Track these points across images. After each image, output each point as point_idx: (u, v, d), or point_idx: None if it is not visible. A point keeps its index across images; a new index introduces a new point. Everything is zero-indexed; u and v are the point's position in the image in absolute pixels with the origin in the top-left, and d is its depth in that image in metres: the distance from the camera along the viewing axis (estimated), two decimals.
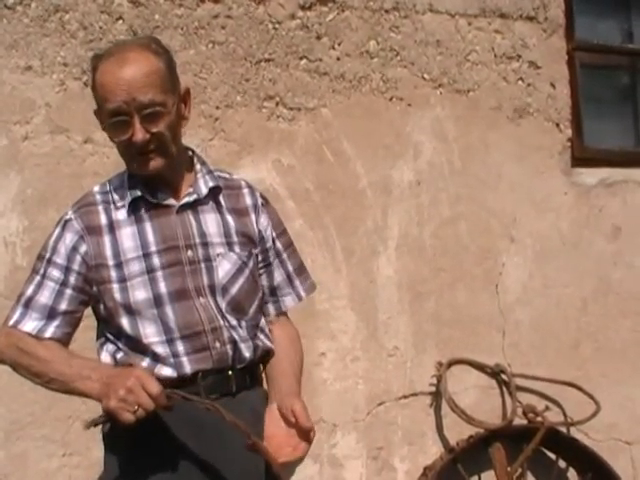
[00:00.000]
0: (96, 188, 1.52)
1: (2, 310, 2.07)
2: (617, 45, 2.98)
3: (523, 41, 2.71)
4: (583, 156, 2.76)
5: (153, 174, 1.44)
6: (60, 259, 1.45)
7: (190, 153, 1.54)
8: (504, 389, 2.55)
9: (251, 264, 1.50)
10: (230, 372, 1.45)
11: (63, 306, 1.45)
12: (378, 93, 2.53)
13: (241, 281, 1.48)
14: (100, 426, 1.49)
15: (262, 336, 1.54)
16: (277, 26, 2.43)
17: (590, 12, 2.89)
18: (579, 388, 2.56)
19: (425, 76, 2.59)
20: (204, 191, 1.49)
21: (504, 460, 2.36)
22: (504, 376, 2.53)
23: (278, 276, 1.57)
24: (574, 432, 2.59)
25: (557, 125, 2.74)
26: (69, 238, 1.45)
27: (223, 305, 1.45)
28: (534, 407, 2.49)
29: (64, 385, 1.41)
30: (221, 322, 1.44)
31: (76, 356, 1.46)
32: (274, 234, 1.57)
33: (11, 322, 1.46)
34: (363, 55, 2.52)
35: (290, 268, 1.59)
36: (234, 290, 1.47)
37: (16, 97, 2.17)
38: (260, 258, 1.55)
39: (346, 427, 2.38)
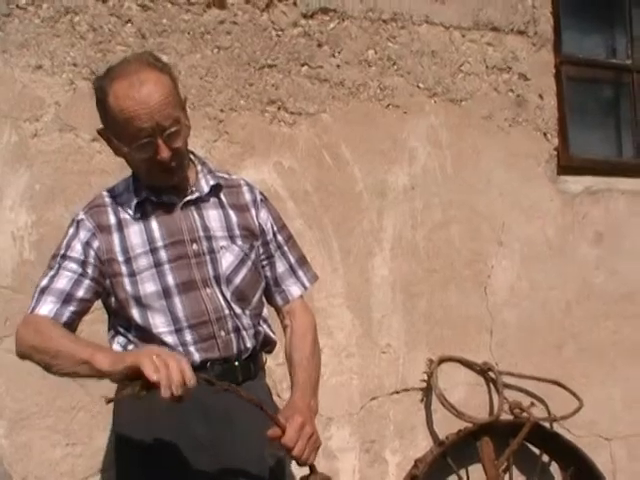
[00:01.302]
0: (104, 192, 1.56)
1: (10, 302, 2.08)
2: (601, 60, 3.04)
3: (514, 54, 2.75)
4: (569, 165, 2.80)
5: (174, 185, 1.49)
6: (76, 254, 1.47)
7: (190, 155, 1.57)
8: (491, 386, 2.57)
9: (253, 256, 1.55)
10: (236, 363, 1.50)
11: (80, 293, 1.46)
12: (375, 100, 2.55)
13: (244, 272, 1.52)
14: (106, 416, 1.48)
15: (265, 325, 1.59)
16: (280, 33, 2.44)
17: (577, 28, 2.94)
18: (563, 386, 2.59)
19: (420, 85, 2.61)
20: (206, 189, 1.53)
21: (492, 453, 2.38)
22: (491, 374, 2.55)
23: (280, 267, 1.62)
24: (557, 429, 2.61)
25: (544, 134, 2.77)
26: (82, 235, 1.48)
27: (228, 295, 1.49)
28: (520, 403, 2.51)
29: (81, 366, 1.34)
30: (226, 311, 1.48)
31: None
32: (275, 228, 1.62)
33: (29, 311, 1.47)
34: (362, 63, 2.53)
35: (292, 260, 1.64)
36: (237, 280, 1.51)
37: (26, 95, 2.16)
38: (262, 250, 1.59)
39: (340, 420, 2.39)
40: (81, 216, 1.51)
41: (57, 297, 1.44)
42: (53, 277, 1.46)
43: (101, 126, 1.49)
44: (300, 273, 1.64)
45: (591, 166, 2.86)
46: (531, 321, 2.68)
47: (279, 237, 1.62)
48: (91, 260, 1.47)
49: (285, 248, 1.63)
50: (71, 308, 1.45)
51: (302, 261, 1.66)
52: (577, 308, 2.76)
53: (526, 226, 2.71)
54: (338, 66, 2.51)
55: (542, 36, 2.79)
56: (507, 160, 2.71)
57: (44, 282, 1.47)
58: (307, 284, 1.65)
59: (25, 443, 2.07)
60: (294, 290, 1.63)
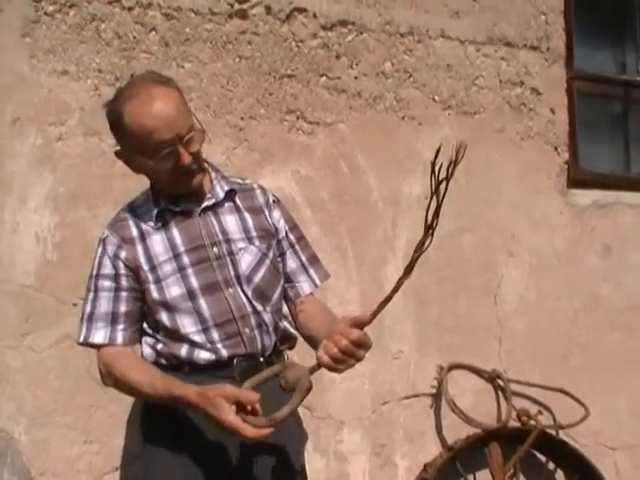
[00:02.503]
0: (125, 207, 1.59)
1: (33, 301, 2.08)
2: (612, 76, 3.02)
3: (526, 69, 2.73)
4: (578, 178, 2.77)
5: (195, 189, 1.52)
6: (107, 270, 1.51)
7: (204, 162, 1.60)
8: (499, 393, 2.55)
9: (271, 255, 1.57)
10: (261, 359, 1.51)
11: (122, 308, 1.49)
12: (391, 112, 2.54)
13: (263, 270, 1.54)
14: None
15: (285, 322, 1.61)
16: (300, 44, 2.43)
17: (588, 44, 2.92)
18: (570, 395, 2.56)
19: (435, 98, 2.60)
20: (221, 195, 1.56)
21: (500, 459, 2.36)
22: (500, 381, 2.53)
23: (292, 264, 1.63)
24: (563, 437, 2.59)
25: (555, 148, 2.76)
26: (110, 249, 1.51)
27: (249, 293, 1.51)
28: (527, 411, 2.49)
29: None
30: (249, 309, 1.50)
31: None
32: (286, 227, 1.64)
33: (80, 339, 1.51)
34: (379, 75, 2.53)
35: (304, 258, 1.65)
36: (257, 279, 1.53)
37: (52, 100, 2.16)
38: (275, 248, 1.61)
39: (352, 424, 2.37)
40: (106, 233, 1.54)
41: (104, 321, 1.49)
42: (94, 300, 1.50)
43: (118, 148, 1.53)
44: (312, 271, 1.65)
45: (600, 180, 2.83)
46: (539, 330, 2.66)
47: (290, 236, 1.64)
48: (122, 271, 1.50)
49: (297, 247, 1.65)
50: (120, 326, 1.49)
51: (314, 259, 1.68)
52: (584, 318, 2.74)
53: (535, 237, 2.70)
54: (356, 77, 2.50)
55: (554, 52, 2.77)
56: (518, 172, 2.69)
57: (88, 308, 1.51)
58: (318, 282, 1.66)
59: (44, 440, 2.06)
60: (305, 286, 1.64)
